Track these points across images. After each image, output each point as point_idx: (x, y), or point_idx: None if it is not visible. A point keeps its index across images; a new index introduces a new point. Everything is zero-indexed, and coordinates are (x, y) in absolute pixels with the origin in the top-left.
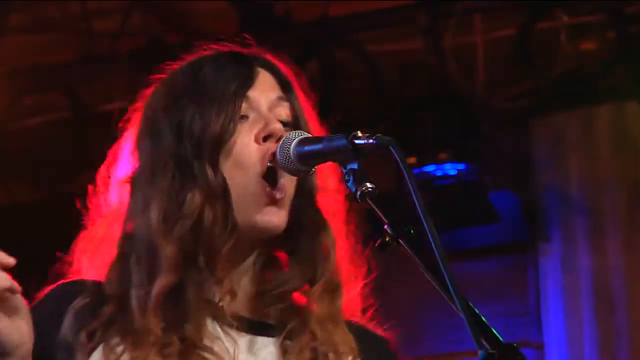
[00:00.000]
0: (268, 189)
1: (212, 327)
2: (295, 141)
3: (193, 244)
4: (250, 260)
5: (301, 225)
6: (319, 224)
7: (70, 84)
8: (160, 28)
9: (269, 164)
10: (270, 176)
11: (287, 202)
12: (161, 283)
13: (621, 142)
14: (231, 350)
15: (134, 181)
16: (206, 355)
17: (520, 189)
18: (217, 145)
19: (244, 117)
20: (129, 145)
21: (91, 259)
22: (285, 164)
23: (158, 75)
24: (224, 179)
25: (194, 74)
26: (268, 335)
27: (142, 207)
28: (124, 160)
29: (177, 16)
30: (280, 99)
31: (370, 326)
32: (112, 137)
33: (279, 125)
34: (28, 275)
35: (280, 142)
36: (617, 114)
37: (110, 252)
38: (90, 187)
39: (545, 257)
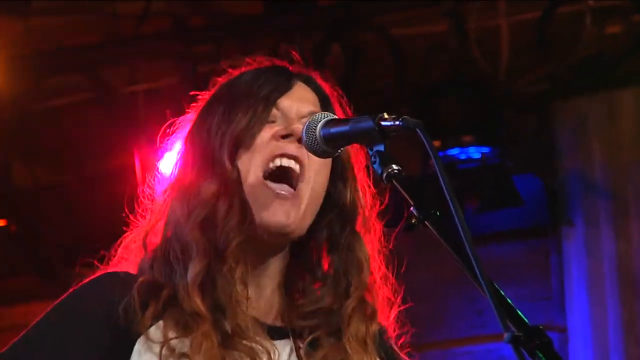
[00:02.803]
0: (271, 184)
1: (246, 324)
2: (321, 122)
3: (211, 232)
4: (274, 267)
5: (335, 242)
6: (354, 240)
7: (94, 66)
8: (184, 10)
9: (276, 164)
10: (278, 175)
11: (301, 204)
12: (194, 269)
13: None
14: (272, 353)
15: (172, 189)
16: (248, 345)
17: (543, 173)
18: (238, 140)
19: (272, 122)
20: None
21: (134, 256)
22: (312, 145)
23: None
24: (238, 173)
25: (232, 81)
26: (295, 345)
27: (175, 205)
28: (168, 172)
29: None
30: (312, 113)
31: (398, 351)
32: (135, 118)
33: (300, 126)
34: (52, 256)
35: (307, 123)
36: None
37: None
38: (140, 190)
39: (568, 241)
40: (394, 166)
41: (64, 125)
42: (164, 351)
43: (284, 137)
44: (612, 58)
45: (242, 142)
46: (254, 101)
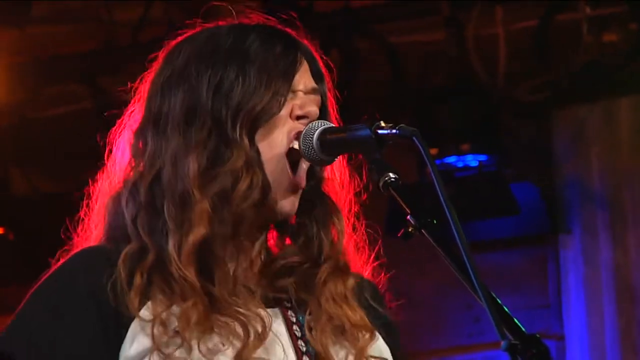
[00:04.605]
0: (292, 176)
1: (236, 292)
2: (318, 131)
3: (222, 204)
4: (264, 236)
5: (311, 207)
6: (327, 207)
7: (92, 75)
8: (182, 17)
9: (292, 146)
10: (292, 157)
11: (302, 189)
12: (195, 235)
13: None
14: (265, 319)
15: (160, 126)
16: (241, 311)
17: (541, 181)
18: (257, 120)
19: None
20: (144, 93)
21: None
22: (308, 153)
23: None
24: (258, 153)
25: (240, 38)
26: (282, 309)
27: (174, 155)
28: (136, 109)
29: (198, 6)
30: (314, 90)
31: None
32: None
33: (315, 109)
34: (49, 266)
35: (303, 132)
36: (638, 106)
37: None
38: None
39: (566, 248)
40: (391, 174)
41: (62, 133)
42: (155, 330)
43: (299, 118)
44: (610, 66)
45: (260, 123)
46: (273, 76)
